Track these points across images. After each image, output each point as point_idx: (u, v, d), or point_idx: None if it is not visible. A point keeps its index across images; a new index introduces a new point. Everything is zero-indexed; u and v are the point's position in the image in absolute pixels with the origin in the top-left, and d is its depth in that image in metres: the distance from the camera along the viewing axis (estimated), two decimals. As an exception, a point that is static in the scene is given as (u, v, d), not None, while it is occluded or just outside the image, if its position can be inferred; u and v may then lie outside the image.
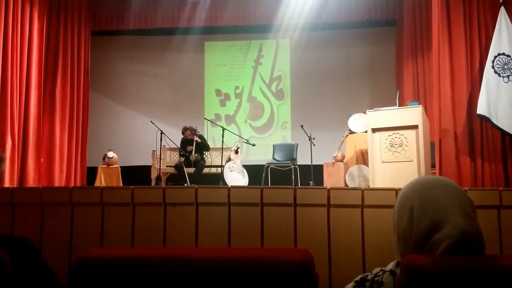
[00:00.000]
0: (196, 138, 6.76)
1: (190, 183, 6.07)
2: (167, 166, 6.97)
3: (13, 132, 5.39)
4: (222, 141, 6.35)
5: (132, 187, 3.24)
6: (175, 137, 6.81)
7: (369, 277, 1.09)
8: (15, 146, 5.41)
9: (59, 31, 6.68)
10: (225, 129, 6.51)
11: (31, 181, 5.66)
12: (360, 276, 1.12)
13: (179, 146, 6.87)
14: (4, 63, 5.31)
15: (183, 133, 6.96)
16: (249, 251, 0.91)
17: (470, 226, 0.98)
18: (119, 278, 0.91)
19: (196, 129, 6.92)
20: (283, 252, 0.90)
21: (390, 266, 1.09)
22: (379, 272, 1.09)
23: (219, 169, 6.50)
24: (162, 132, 6.30)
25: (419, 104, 4.68)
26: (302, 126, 6.73)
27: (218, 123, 7.72)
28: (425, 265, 0.90)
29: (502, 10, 4.19)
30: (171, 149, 7.18)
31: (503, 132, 4.09)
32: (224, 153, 6.53)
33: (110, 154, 7.23)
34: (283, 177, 6.71)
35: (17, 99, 5.55)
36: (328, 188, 3.09)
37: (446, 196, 1.03)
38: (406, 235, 1.04)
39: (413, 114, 4.24)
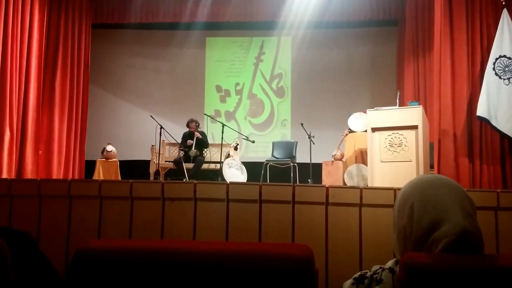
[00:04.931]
0: (197, 135, 6.75)
1: (189, 179, 6.07)
2: (166, 161, 6.96)
3: (11, 124, 5.37)
4: (222, 137, 6.35)
5: (131, 181, 3.24)
6: (175, 132, 6.80)
7: (368, 274, 1.09)
8: (14, 138, 5.40)
9: (59, 23, 6.64)
10: (225, 125, 6.50)
11: (29, 173, 5.65)
12: (359, 273, 1.12)
13: (181, 139, 6.86)
14: (3, 55, 5.29)
15: (187, 125, 6.93)
16: (249, 245, 0.91)
17: (470, 224, 0.99)
18: (118, 270, 0.91)
19: (198, 125, 6.93)
20: (283, 247, 0.90)
21: (389, 264, 1.09)
22: (378, 269, 1.09)
23: (218, 165, 6.50)
24: (161, 127, 6.28)
25: (419, 104, 4.68)
26: (302, 124, 6.72)
27: (218, 119, 7.71)
28: (424, 262, 0.90)
29: (505, 12, 4.17)
30: (170, 144, 7.17)
31: (502, 135, 4.09)
32: (223, 149, 6.53)
33: (109, 147, 7.22)
34: (282, 174, 6.71)
35: (16, 91, 5.53)
36: (327, 186, 3.10)
37: (446, 194, 1.03)
38: (406, 233, 1.05)
39: (413, 114, 4.24)
